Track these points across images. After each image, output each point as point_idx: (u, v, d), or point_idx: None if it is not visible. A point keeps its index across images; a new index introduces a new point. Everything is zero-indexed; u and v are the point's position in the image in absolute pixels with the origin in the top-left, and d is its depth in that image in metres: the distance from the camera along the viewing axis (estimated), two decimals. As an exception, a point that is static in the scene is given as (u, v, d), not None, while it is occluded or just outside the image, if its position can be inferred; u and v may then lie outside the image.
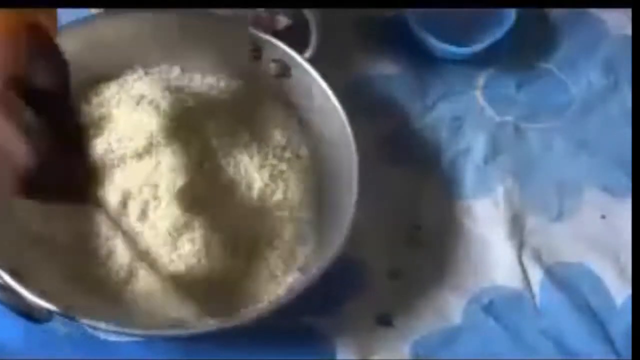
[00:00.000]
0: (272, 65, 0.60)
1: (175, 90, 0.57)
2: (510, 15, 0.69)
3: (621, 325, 0.56)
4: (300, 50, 0.60)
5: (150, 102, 0.55)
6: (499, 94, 0.69)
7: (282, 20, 0.62)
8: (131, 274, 0.51)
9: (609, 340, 0.55)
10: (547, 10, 0.75)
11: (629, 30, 0.73)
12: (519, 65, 0.71)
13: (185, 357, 0.51)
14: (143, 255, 0.50)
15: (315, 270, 0.49)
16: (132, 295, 0.50)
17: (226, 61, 0.60)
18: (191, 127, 0.55)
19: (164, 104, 0.54)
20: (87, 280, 0.50)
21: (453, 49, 0.67)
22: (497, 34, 0.68)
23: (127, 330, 0.48)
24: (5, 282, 0.43)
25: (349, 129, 0.56)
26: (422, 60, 0.69)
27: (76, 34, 0.55)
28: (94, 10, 0.61)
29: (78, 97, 0.56)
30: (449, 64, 0.69)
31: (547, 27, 0.74)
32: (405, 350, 0.53)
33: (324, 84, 0.58)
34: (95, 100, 0.57)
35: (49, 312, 0.44)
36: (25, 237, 0.50)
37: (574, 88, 0.70)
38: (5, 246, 0.46)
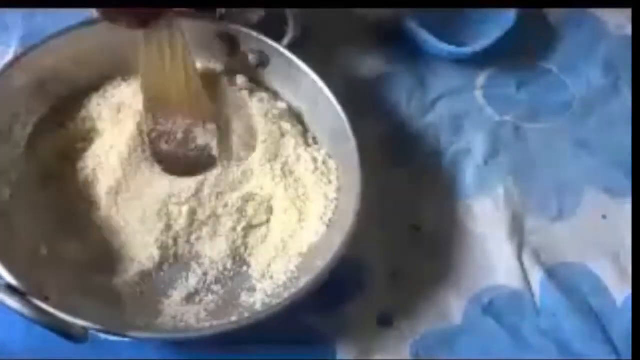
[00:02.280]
0: (251, 57, 0.60)
1: None
2: (510, 15, 0.69)
3: (621, 325, 0.56)
4: (279, 39, 0.59)
5: (130, 108, 0.55)
6: (499, 93, 0.69)
7: (256, 12, 0.61)
8: (144, 279, 0.51)
9: (609, 340, 0.55)
10: (547, 10, 0.75)
11: (629, 30, 0.73)
12: (519, 65, 0.71)
13: (185, 357, 0.51)
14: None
15: (319, 272, 0.49)
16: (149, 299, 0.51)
17: (205, 57, 0.60)
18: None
19: (142, 108, 0.55)
20: (104, 290, 0.50)
21: (453, 49, 0.67)
22: (497, 34, 0.67)
23: (152, 336, 0.48)
24: (40, 305, 0.43)
25: (347, 124, 0.56)
26: (422, 60, 0.69)
27: (55, 48, 0.55)
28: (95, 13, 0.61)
29: (63, 113, 0.57)
30: (449, 64, 0.69)
31: (547, 27, 0.74)
32: (405, 350, 0.53)
33: (307, 69, 0.58)
34: (79, 115, 0.57)
35: (85, 329, 0.44)
36: (37, 261, 0.50)
37: (574, 88, 0.70)
38: (22, 271, 0.46)
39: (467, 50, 0.67)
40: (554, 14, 0.75)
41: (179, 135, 0.55)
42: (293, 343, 0.53)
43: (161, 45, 0.52)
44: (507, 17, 0.69)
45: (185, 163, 0.55)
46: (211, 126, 0.55)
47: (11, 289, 0.43)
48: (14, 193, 0.52)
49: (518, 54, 0.71)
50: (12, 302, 0.43)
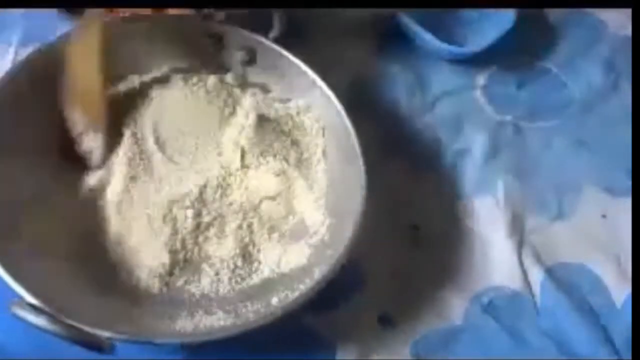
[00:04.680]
0: (239, 53, 0.60)
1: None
2: (510, 15, 0.69)
3: (621, 325, 0.56)
4: (265, 35, 0.59)
5: None
6: (499, 93, 0.69)
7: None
8: (158, 284, 0.51)
9: (609, 340, 0.55)
10: (547, 10, 0.75)
11: (629, 30, 0.73)
12: (519, 65, 0.71)
13: (185, 357, 0.51)
14: None
15: (333, 261, 0.49)
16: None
17: (193, 56, 0.60)
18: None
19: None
20: (120, 300, 0.50)
21: (453, 48, 0.67)
22: (497, 33, 0.68)
23: (176, 340, 0.48)
24: (67, 322, 0.43)
25: (347, 120, 0.56)
26: (422, 60, 0.69)
27: (47, 55, 0.55)
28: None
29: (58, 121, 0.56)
30: (449, 64, 0.69)
31: (547, 27, 0.74)
32: (405, 350, 0.53)
33: (299, 62, 0.58)
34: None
35: (110, 339, 0.44)
36: (53, 277, 0.49)
37: (574, 88, 0.70)
38: (41, 289, 0.46)
39: (467, 50, 0.67)
40: (554, 14, 0.75)
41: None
42: (293, 343, 0.53)
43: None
44: (507, 17, 0.69)
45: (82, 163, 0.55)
46: (97, 132, 0.55)
47: (36, 309, 0.44)
48: (22, 213, 0.51)
49: (518, 54, 0.71)
50: (40, 321, 0.43)
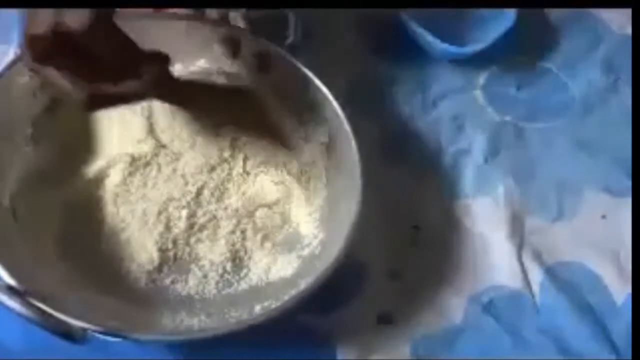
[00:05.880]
0: (253, 59, 0.60)
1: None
2: (510, 15, 0.68)
3: (621, 325, 0.56)
4: (280, 42, 0.59)
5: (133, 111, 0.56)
6: (499, 93, 0.69)
7: (255, 14, 0.61)
8: (145, 280, 0.51)
9: (608, 339, 0.55)
10: (547, 10, 0.75)
11: (629, 30, 0.73)
12: (519, 65, 0.71)
13: (185, 357, 0.51)
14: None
15: (319, 274, 0.49)
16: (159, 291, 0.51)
17: (207, 60, 0.60)
18: None
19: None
20: (103, 292, 0.50)
21: (453, 49, 0.67)
22: (497, 33, 0.67)
23: (152, 338, 0.48)
24: (40, 306, 0.43)
25: (347, 126, 0.56)
26: (422, 60, 0.69)
27: None
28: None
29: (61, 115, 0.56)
30: (449, 64, 0.69)
31: (547, 27, 0.74)
32: (406, 349, 0.53)
33: (308, 72, 0.58)
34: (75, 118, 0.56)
35: (85, 330, 0.44)
36: (37, 262, 0.49)
37: (574, 88, 0.70)
38: (22, 273, 0.46)
39: (468, 50, 0.67)
40: (554, 14, 0.75)
41: None
42: (293, 343, 0.53)
43: None
44: (507, 17, 0.69)
45: None
46: None
47: (11, 290, 0.43)
48: (17, 196, 0.51)
49: (518, 54, 0.71)
50: (12, 303, 0.43)
